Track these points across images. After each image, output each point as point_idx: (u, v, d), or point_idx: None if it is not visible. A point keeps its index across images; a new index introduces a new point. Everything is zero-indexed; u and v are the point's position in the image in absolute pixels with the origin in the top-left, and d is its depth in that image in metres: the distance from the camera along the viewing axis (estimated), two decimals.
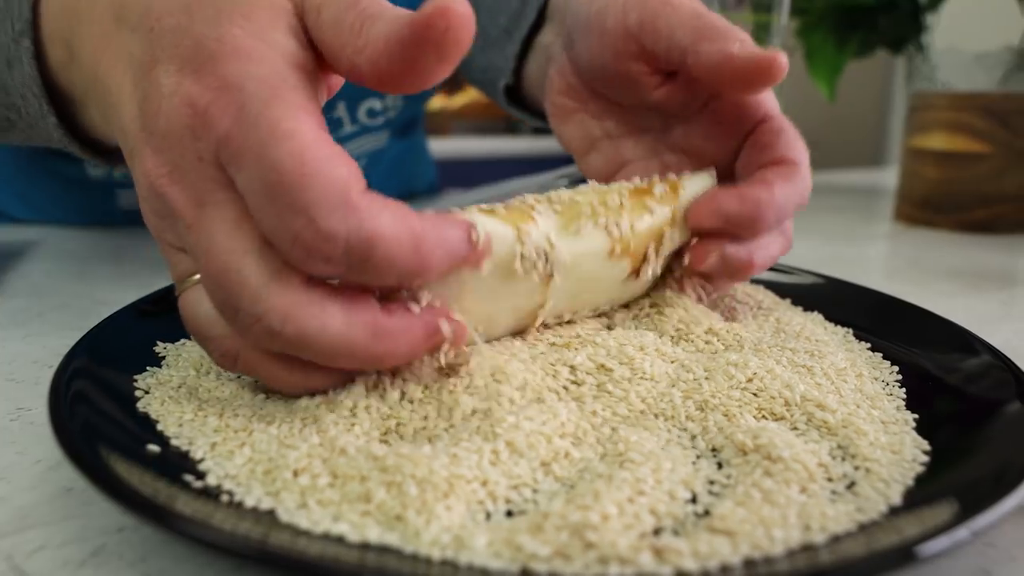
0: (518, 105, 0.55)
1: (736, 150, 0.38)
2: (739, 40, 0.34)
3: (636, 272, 0.34)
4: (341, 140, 0.69)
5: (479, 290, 0.28)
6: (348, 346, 0.24)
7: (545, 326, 0.34)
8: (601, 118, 0.42)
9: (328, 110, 0.65)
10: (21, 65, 0.35)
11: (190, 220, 0.25)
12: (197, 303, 0.27)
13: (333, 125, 0.67)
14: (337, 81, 0.29)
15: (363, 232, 0.22)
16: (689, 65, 0.35)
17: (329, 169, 0.23)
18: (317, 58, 0.27)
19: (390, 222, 0.23)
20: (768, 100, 0.37)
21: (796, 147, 0.35)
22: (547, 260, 0.29)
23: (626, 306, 0.37)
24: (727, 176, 0.38)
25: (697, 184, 0.36)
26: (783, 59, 0.33)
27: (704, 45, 0.34)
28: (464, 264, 0.26)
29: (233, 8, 0.26)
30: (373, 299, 0.25)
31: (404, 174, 0.83)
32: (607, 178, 0.41)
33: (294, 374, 0.26)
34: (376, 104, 0.68)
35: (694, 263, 0.35)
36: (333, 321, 0.24)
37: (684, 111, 0.39)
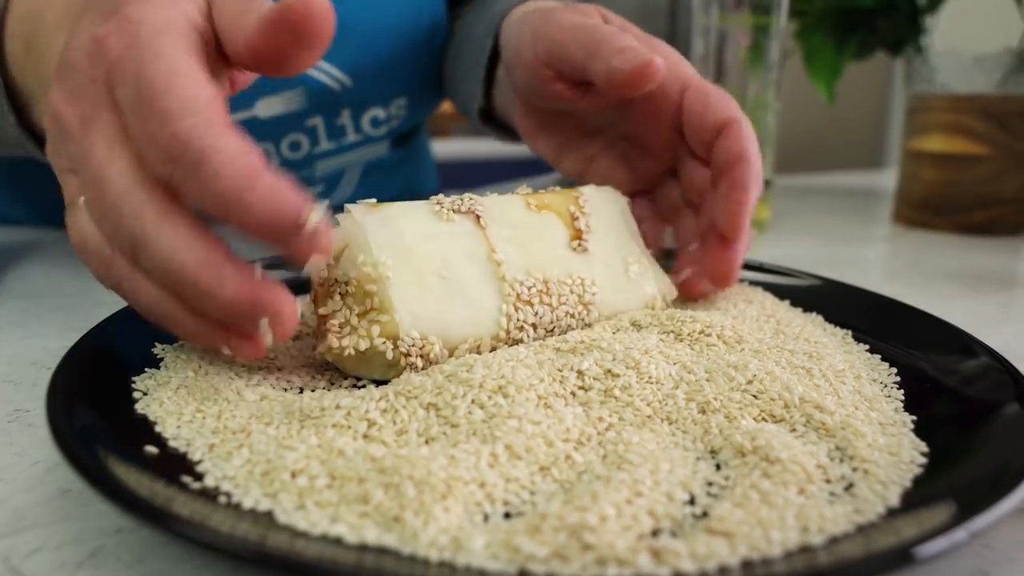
0: (493, 124, 0.61)
1: (673, 122, 0.42)
2: (620, 50, 0.39)
3: (580, 237, 0.37)
4: (344, 149, 0.69)
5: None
6: (179, 260, 0.26)
7: (547, 332, 0.35)
8: (560, 129, 0.48)
9: (332, 117, 0.66)
10: None
11: (77, 135, 0.28)
12: (80, 218, 0.29)
13: (336, 133, 0.67)
14: (243, 78, 0.33)
15: (202, 143, 0.25)
16: (590, 78, 0.41)
17: (194, 87, 0.26)
18: (220, 50, 0.30)
19: (232, 149, 0.25)
20: (683, 69, 0.42)
21: (728, 105, 0.40)
22: (467, 205, 0.34)
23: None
24: (671, 148, 0.43)
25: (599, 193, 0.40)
26: (658, 62, 0.39)
27: (594, 63, 0.40)
28: (292, 240, 0.26)
29: None
30: (225, 246, 0.27)
31: (403, 180, 0.83)
32: (581, 175, 0.47)
33: (151, 296, 0.28)
34: (380, 113, 0.68)
35: (689, 292, 0.41)
36: (175, 231, 0.26)
37: (616, 107, 0.44)
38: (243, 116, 0.59)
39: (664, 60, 0.40)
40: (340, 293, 0.31)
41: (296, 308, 0.28)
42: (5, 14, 0.37)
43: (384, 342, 0.30)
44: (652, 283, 0.39)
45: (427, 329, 0.31)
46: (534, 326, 0.34)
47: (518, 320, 0.33)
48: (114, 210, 0.27)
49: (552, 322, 0.35)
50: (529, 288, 0.34)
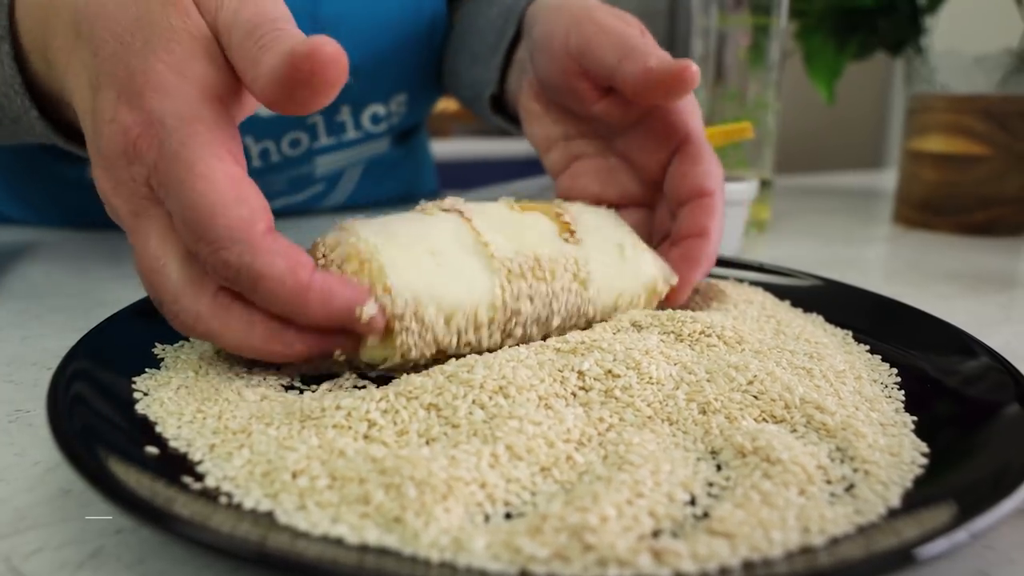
0: (501, 114, 0.60)
1: (665, 162, 0.43)
2: (656, 56, 0.39)
3: (569, 230, 0.37)
4: (343, 146, 0.69)
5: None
6: (247, 343, 0.29)
7: (546, 307, 0.35)
8: (559, 123, 0.47)
9: (332, 114, 0.66)
10: (1, 67, 0.38)
11: (130, 226, 0.30)
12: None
13: (336, 129, 0.67)
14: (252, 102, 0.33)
15: (253, 269, 0.27)
16: (617, 82, 0.40)
17: (235, 211, 0.27)
18: (235, 76, 0.31)
19: (279, 266, 0.28)
20: (692, 121, 0.42)
21: (713, 173, 0.41)
22: (450, 204, 0.36)
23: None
24: (654, 184, 0.44)
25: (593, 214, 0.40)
26: (694, 67, 0.38)
27: (627, 64, 0.40)
28: (350, 330, 0.30)
29: (157, 41, 0.29)
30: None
31: (403, 178, 0.83)
32: (562, 170, 0.47)
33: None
34: (380, 110, 0.69)
35: (674, 303, 0.41)
36: (235, 323, 0.29)
37: (622, 123, 0.44)
38: None
39: (684, 106, 0.41)
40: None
41: (367, 313, 0.29)
42: (15, 31, 0.38)
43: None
44: (650, 264, 0.39)
45: (420, 292, 0.31)
46: (531, 298, 0.34)
47: (514, 291, 0.33)
48: (173, 303, 0.29)
49: (549, 296, 0.34)
50: (520, 264, 0.34)
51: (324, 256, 0.32)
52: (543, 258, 0.35)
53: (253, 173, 0.69)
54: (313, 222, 0.72)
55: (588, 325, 0.37)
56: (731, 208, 0.57)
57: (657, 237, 0.44)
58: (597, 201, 0.44)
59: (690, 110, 0.42)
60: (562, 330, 0.36)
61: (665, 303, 0.40)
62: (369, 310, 0.29)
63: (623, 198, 0.45)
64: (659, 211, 0.44)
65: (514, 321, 0.34)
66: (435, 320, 0.31)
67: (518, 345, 0.34)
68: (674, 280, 0.39)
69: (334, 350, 0.31)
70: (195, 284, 0.29)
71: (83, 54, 0.31)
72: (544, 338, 0.35)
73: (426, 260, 0.32)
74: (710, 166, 0.41)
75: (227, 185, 0.28)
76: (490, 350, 0.33)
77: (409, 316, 0.30)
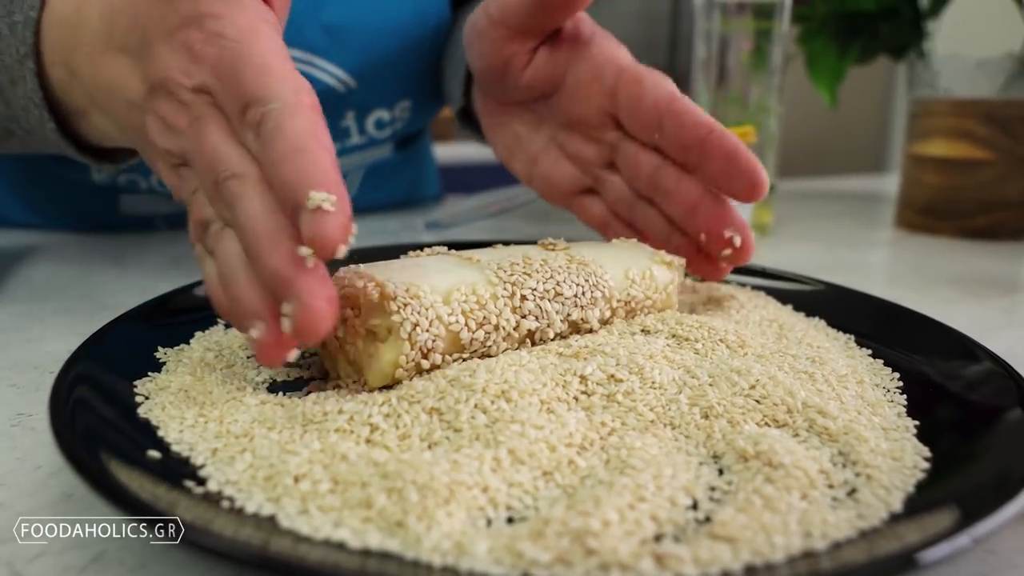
0: (471, 126, 0.62)
1: (607, 105, 0.44)
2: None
3: (555, 249, 0.38)
4: (347, 151, 0.69)
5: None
6: (260, 218, 0.28)
7: (553, 283, 0.35)
8: (510, 121, 0.50)
9: (336, 119, 0.66)
10: (24, 82, 0.40)
11: (190, 133, 0.31)
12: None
13: (340, 134, 0.68)
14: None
15: (291, 104, 0.28)
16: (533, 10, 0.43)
17: (289, 72, 0.30)
18: None
19: (314, 131, 0.28)
20: (619, 53, 0.45)
21: (664, 84, 0.42)
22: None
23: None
24: (607, 132, 0.45)
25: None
26: None
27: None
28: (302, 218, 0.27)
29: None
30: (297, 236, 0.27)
31: (405, 183, 0.83)
32: (530, 172, 0.50)
33: (229, 252, 0.29)
34: (384, 115, 0.69)
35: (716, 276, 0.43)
36: (266, 201, 0.28)
37: (554, 82, 0.46)
38: None
39: (601, 42, 0.44)
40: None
41: (329, 314, 0.26)
42: (39, 47, 0.40)
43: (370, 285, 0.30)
44: (648, 250, 0.40)
45: (410, 279, 0.31)
46: (527, 275, 0.34)
47: (507, 271, 0.34)
48: (225, 184, 0.29)
49: (548, 271, 0.35)
50: (510, 263, 0.34)
51: None
52: (533, 258, 0.35)
53: None
54: None
55: (612, 313, 0.37)
56: None
57: (622, 206, 0.46)
58: (578, 190, 0.47)
59: (613, 45, 0.45)
60: (582, 310, 0.35)
61: (737, 189, 0.40)
62: (318, 197, 0.26)
63: (592, 175, 0.47)
64: (610, 183, 0.46)
65: (520, 296, 0.33)
66: (430, 298, 0.31)
67: (536, 336, 0.34)
68: (682, 260, 0.40)
69: (287, 295, 0.26)
70: (254, 181, 0.29)
71: (114, 54, 0.35)
72: (566, 325, 0.35)
73: (413, 270, 0.32)
74: (657, 79, 0.42)
75: (283, 59, 0.30)
76: (511, 339, 0.33)
77: (403, 294, 0.30)
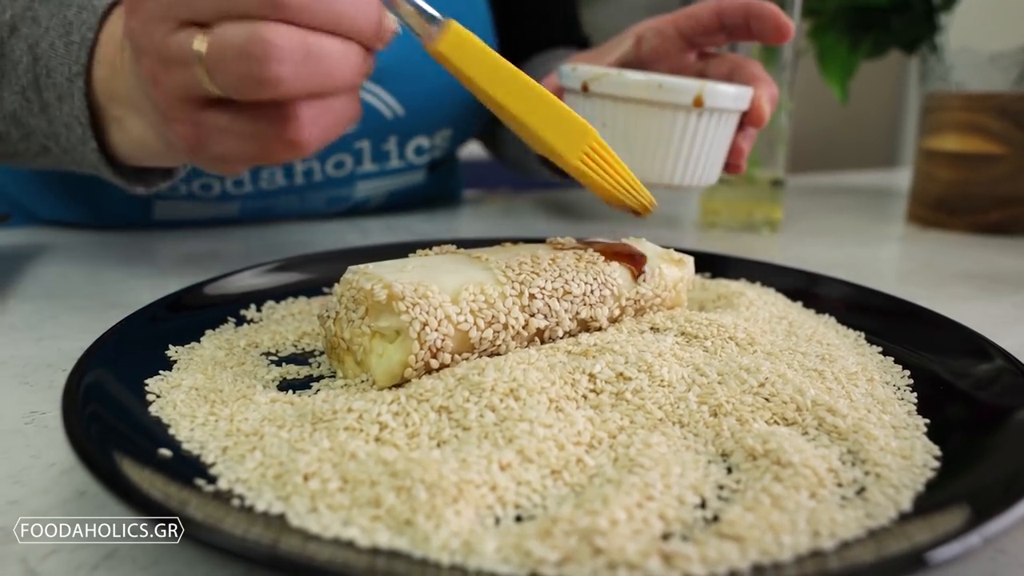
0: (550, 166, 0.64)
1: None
2: None
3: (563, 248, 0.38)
4: (384, 174, 0.71)
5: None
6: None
7: (561, 280, 0.35)
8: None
9: (379, 141, 0.68)
10: (72, 100, 0.42)
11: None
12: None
13: (381, 157, 0.70)
14: None
15: None
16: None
17: None
18: None
19: None
20: None
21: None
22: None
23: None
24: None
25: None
26: None
27: None
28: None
29: None
30: None
31: (432, 195, 0.84)
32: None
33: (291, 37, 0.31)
34: (424, 142, 0.70)
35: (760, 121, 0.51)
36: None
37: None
38: None
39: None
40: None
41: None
42: (91, 69, 0.42)
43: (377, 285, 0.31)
44: (657, 248, 0.40)
45: (419, 280, 0.31)
46: (536, 273, 0.34)
47: (516, 269, 0.34)
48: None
49: (556, 270, 0.35)
50: (519, 262, 0.34)
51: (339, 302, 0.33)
52: (541, 257, 0.35)
53: (294, 190, 0.71)
54: (327, 225, 0.72)
55: (621, 311, 0.37)
56: (723, 117, 0.50)
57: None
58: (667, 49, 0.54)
59: None
60: (590, 308, 0.35)
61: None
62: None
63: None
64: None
65: (528, 295, 0.33)
66: (439, 297, 0.31)
67: (545, 334, 0.34)
68: (678, 256, 0.40)
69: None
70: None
71: None
72: (575, 323, 0.35)
73: (420, 270, 0.32)
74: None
75: None
76: (520, 337, 0.33)
77: (411, 294, 0.30)
